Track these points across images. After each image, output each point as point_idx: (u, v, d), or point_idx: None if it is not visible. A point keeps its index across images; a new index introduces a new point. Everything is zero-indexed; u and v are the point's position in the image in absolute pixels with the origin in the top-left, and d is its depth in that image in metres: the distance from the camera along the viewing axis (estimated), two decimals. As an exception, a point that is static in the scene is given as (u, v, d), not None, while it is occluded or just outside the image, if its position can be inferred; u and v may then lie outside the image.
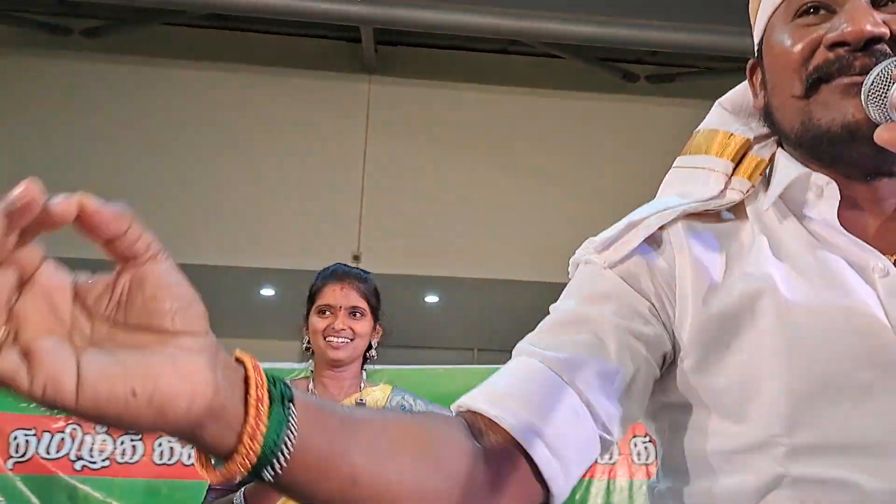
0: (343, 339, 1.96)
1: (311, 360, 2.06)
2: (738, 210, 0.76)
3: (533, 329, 0.75)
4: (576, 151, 6.01)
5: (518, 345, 0.72)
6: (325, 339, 1.96)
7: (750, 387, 0.65)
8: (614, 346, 0.67)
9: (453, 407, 0.69)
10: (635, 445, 3.26)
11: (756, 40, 0.78)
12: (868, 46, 0.65)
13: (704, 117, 0.85)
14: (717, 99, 0.84)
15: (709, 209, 0.74)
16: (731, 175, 0.76)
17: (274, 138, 5.88)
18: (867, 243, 0.67)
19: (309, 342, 2.02)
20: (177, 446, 2.76)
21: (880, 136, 0.56)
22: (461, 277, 5.90)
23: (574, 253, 0.79)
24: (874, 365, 0.61)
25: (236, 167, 5.78)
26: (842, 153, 0.67)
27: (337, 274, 2.02)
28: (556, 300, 0.78)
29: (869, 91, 0.60)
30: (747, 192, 0.74)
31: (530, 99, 6.15)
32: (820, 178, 0.69)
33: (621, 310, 0.69)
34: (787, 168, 0.72)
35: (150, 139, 5.70)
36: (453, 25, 5.15)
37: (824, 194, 0.69)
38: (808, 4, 0.70)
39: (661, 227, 0.73)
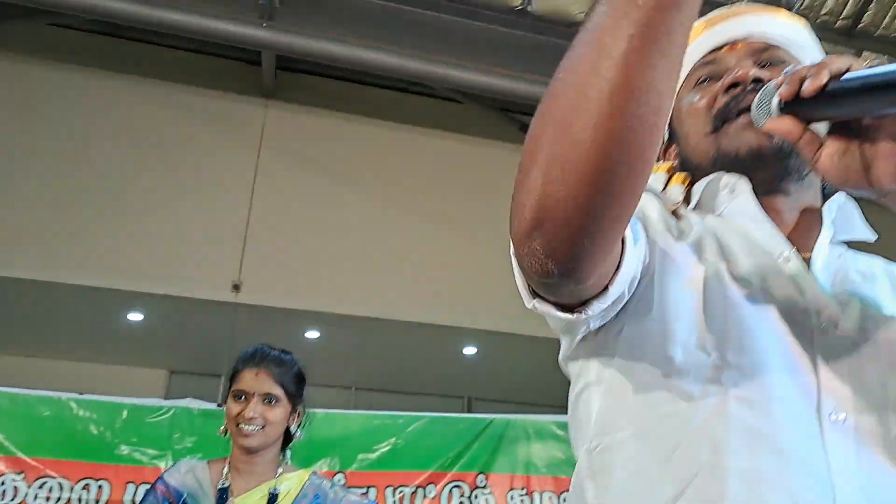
0: (254, 427, 1.90)
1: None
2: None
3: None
4: (469, 197, 6.03)
5: None
6: (237, 425, 1.91)
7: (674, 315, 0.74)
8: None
9: None
10: (511, 499, 3.21)
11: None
12: (755, 86, 0.81)
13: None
14: None
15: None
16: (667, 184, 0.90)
17: (160, 154, 5.61)
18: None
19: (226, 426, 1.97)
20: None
21: (768, 127, 0.70)
22: (344, 314, 5.76)
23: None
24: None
25: (116, 181, 5.46)
26: (747, 172, 0.83)
27: (255, 358, 1.98)
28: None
29: (756, 105, 0.73)
30: (684, 193, 0.88)
31: (428, 140, 6.15)
32: (731, 177, 0.84)
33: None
34: (703, 181, 0.87)
35: (22, 143, 5.31)
36: (357, 61, 5.08)
37: (737, 189, 0.83)
38: (704, 76, 0.90)
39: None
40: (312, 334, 6.39)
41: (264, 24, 4.84)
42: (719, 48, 0.90)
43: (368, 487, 3.13)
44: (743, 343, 0.70)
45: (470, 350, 6.38)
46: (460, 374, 6.69)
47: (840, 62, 0.67)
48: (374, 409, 4.98)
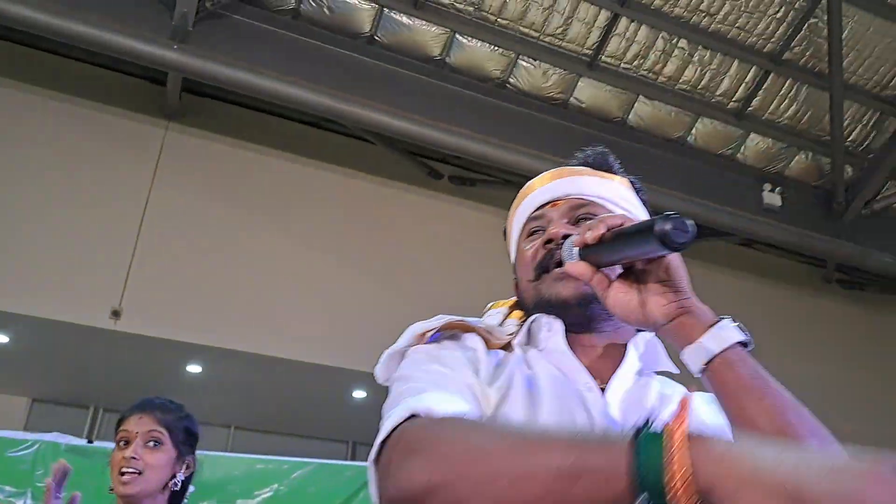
0: (131, 471, 1.78)
1: None
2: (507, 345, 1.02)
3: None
4: (371, 238, 5.98)
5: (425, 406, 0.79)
6: (118, 472, 1.79)
7: None
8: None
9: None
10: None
11: (512, 259, 1.13)
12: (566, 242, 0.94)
13: (499, 223, 1.14)
14: (509, 207, 1.16)
15: (492, 337, 1.01)
16: (507, 317, 1.07)
17: (50, 167, 5.29)
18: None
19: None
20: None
21: (566, 269, 0.87)
22: (228, 349, 5.54)
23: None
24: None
25: (-6, 192, 5.10)
26: (560, 314, 0.98)
27: (141, 404, 1.91)
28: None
29: (564, 252, 0.91)
30: (517, 328, 1.03)
31: (333, 177, 6.08)
32: (548, 318, 0.99)
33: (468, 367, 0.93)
34: (529, 320, 1.02)
35: None
36: (268, 92, 5.00)
37: (552, 328, 0.98)
38: (534, 228, 1.07)
39: (467, 329, 1.00)
40: (194, 368, 6.11)
41: (175, 46, 4.70)
42: (546, 204, 1.06)
43: (243, 535, 2.98)
44: None
45: (359, 394, 6.26)
46: (346, 418, 6.53)
47: (614, 219, 0.81)
48: (253, 449, 4.78)
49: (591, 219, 0.96)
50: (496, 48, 5.60)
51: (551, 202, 1.05)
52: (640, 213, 1.08)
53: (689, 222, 0.76)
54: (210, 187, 5.73)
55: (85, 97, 5.58)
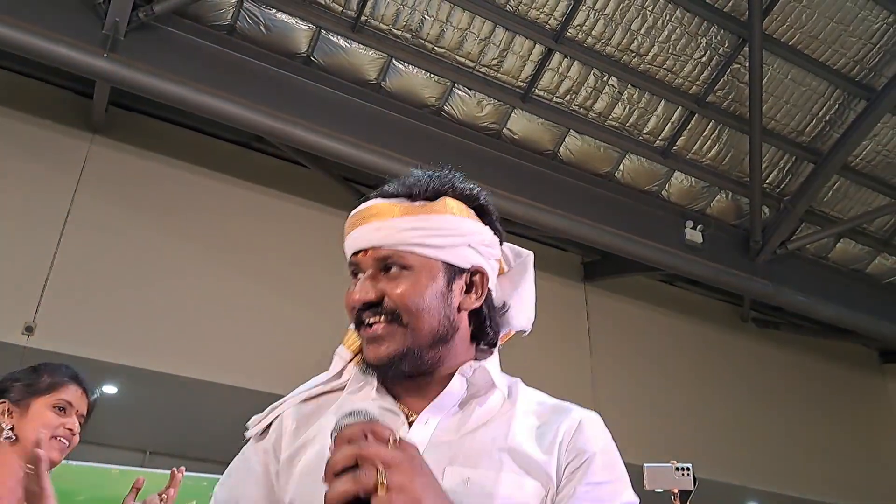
0: (67, 442, 1.84)
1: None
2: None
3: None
4: (296, 262, 5.91)
5: None
6: (54, 436, 1.81)
7: None
8: None
9: None
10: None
11: None
12: (365, 308, 0.96)
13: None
14: None
15: (328, 390, 1.05)
16: (350, 361, 1.06)
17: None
18: (399, 405, 0.98)
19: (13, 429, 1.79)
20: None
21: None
22: (146, 369, 5.37)
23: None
24: None
25: None
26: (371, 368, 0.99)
27: (78, 378, 1.94)
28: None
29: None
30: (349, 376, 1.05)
31: (261, 199, 6.00)
32: (364, 375, 1.02)
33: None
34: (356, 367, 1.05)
35: None
36: (197, 105, 4.92)
37: (369, 381, 1.01)
38: (352, 270, 1.02)
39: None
40: (109, 389, 5.89)
41: (105, 55, 4.59)
42: (357, 252, 1.01)
43: (162, 555, 2.85)
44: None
45: (280, 419, 6.12)
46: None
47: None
48: (168, 475, 4.61)
49: (400, 268, 0.96)
50: (432, 76, 5.66)
51: (361, 251, 1.00)
52: (469, 238, 1.00)
53: None
54: (133, 203, 5.58)
55: (7, 106, 5.39)
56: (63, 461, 2.30)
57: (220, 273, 5.64)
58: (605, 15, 5.70)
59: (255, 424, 1.05)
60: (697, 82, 6.23)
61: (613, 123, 6.30)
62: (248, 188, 5.97)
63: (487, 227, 1.05)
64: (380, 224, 0.98)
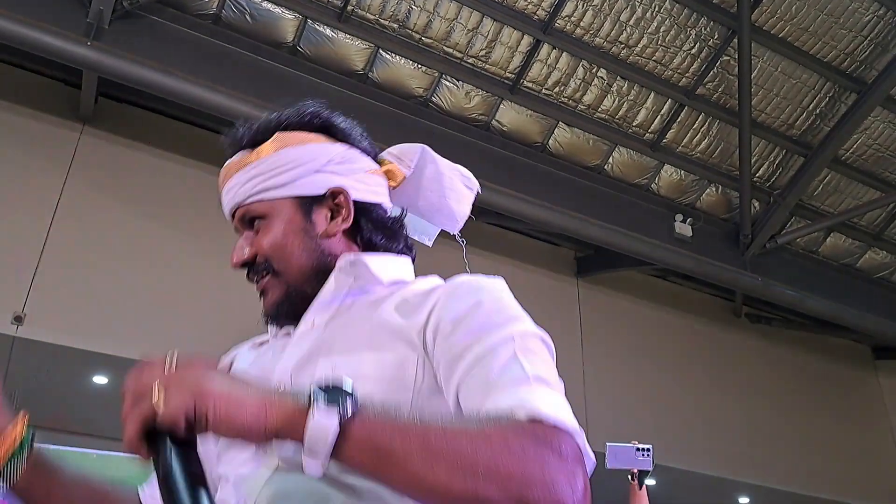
0: None
1: None
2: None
3: None
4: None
5: None
6: None
7: None
8: None
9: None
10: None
11: None
12: (247, 267, 1.00)
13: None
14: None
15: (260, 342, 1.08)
16: None
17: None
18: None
19: None
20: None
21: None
22: (136, 360, 5.34)
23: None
24: None
25: None
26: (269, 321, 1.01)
27: None
28: None
29: None
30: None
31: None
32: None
33: None
34: None
35: None
36: (183, 95, 4.93)
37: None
38: (235, 225, 1.04)
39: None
40: (101, 379, 5.90)
41: (89, 43, 4.60)
42: (232, 213, 1.03)
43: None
44: None
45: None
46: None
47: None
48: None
49: (257, 221, 0.98)
50: (420, 66, 5.67)
51: (231, 217, 1.03)
52: (314, 163, 0.98)
53: None
54: (122, 194, 5.59)
55: (-6, 95, 5.41)
56: (67, 448, 2.29)
57: (211, 263, 5.64)
58: (593, 6, 5.70)
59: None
60: (687, 74, 6.22)
61: (602, 116, 6.30)
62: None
63: (340, 143, 1.02)
64: (228, 186, 1.00)
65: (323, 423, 0.67)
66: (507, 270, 7.50)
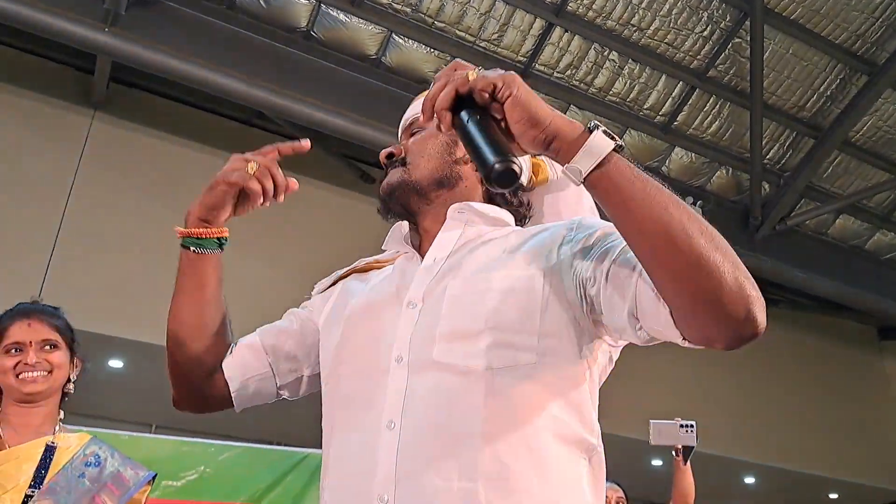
0: (39, 373, 1.79)
1: None
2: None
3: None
4: (299, 239, 5.93)
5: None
6: (17, 376, 1.78)
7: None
8: (289, 323, 1.17)
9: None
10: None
11: None
12: (387, 158, 1.12)
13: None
14: None
15: (379, 262, 1.17)
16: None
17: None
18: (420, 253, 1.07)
19: None
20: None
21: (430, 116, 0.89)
22: (152, 344, 5.41)
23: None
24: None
25: None
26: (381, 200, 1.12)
27: (23, 311, 1.90)
28: None
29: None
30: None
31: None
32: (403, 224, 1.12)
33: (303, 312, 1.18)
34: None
35: None
36: (198, 80, 4.93)
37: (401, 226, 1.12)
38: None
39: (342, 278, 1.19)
40: (116, 363, 5.95)
41: (106, 29, 4.60)
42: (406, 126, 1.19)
43: (170, 516, 2.92)
44: (357, 335, 1.00)
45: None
46: (272, 417, 6.44)
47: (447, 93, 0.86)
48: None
49: (419, 132, 1.13)
50: (432, 50, 5.67)
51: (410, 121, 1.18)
52: None
53: (517, 181, 0.81)
54: (135, 179, 5.61)
55: (8, 82, 5.41)
56: (79, 427, 2.34)
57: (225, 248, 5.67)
58: (605, -11, 5.70)
59: (319, 287, 1.21)
60: (698, 57, 6.22)
61: (614, 99, 6.31)
62: (248, 164, 5.98)
63: None
64: (417, 103, 1.16)
65: (603, 138, 0.80)
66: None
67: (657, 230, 0.77)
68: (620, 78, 6.21)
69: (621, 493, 3.03)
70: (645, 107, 6.43)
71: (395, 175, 1.08)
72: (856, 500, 10.13)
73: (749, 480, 9.34)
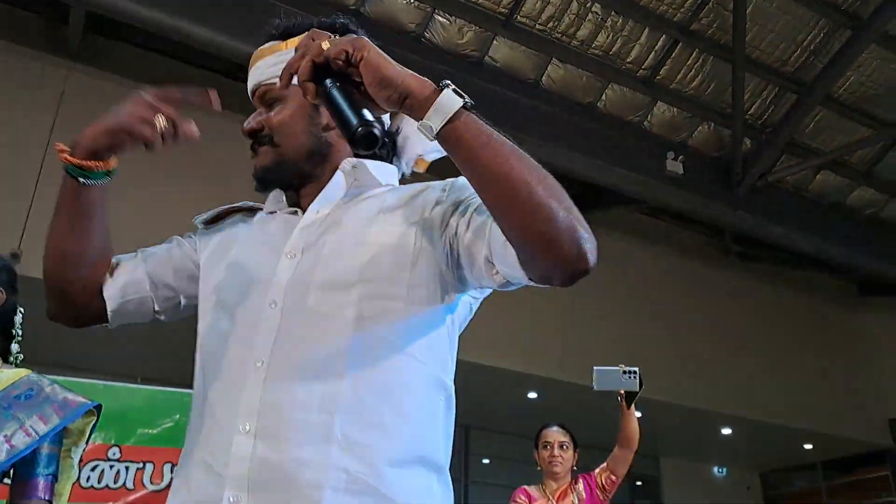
0: None
1: None
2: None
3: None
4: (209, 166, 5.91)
5: None
6: None
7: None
8: (170, 251, 1.21)
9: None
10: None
11: None
12: (251, 137, 1.11)
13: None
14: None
15: (253, 208, 1.20)
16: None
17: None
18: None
19: None
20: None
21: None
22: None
23: None
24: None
25: None
26: (256, 182, 1.13)
27: None
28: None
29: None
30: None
31: (236, 127, 5.97)
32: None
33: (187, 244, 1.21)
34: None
35: None
36: (172, 29, 4.87)
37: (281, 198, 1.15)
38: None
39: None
40: (96, 315, 5.97)
41: (78, -24, 4.53)
42: (254, 91, 1.15)
43: (145, 462, 2.96)
44: (236, 278, 1.04)
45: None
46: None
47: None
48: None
49: (273, 101, 1.10)
50: (412, 1, 5.61)
51: (253, 91, 1.14)
52: None
53: (378, 143, 0.85)
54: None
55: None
56: (56, 377, 2.36)
57: (201, 200, 5.64)
58: (588, -61, 5.63)
59: (201, 219, 1.23)
60: (682, 9, 6.17)
61: (596, 52, 6.27)
62: (228, 117, 5.94)
63: None
64: (256, 66, 1.13)
65: (453, 97, 0.85)
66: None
67: (500, 181, 0.84)
68: (603, 30, 6.17)
69: (563, 437, 3.09)
70: (627, 60, 6.39)
71: (266, 156, 1.08)
72: (830, 450, 10.37)
73: (726, 431, 9.52)
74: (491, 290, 1.01)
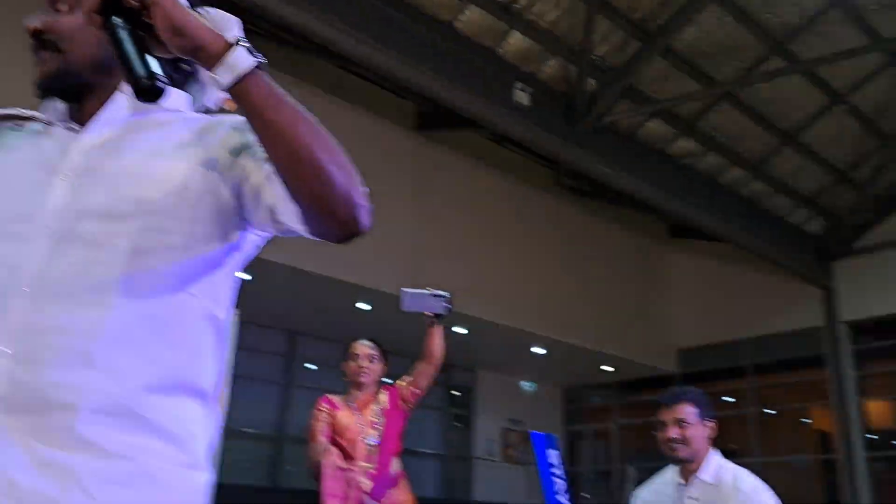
0: None
1: None
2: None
3: None
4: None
5: None
6: None
7: None
8: None
9: None
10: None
11: None
12: (37, 38, 1.01)
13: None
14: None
15: (27, 116, 1.08)
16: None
17: None
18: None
19: None
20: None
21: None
22: None
23: None
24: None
25: None
26: (38, 89, 1.03)
27: None
28: None
29: None
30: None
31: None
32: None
33: None
34: None
35: None
36: None
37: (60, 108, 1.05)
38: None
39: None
40: None
41: None
42: None
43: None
44: (3, 198, 0.97)
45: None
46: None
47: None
48: None
49: (63, 4, 1.03)
50: None
51: None
52: None
53: (161, 97, 0.85)
54: None
55: None
56: None
57: None
58: None
59: None
60: (546, -57, 6.23)
61: (460, -29, 6.23)
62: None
63: None
64: None
65: (245, 56, 0.87)
66: (347, 115, 7.47)
67: (285, 143, 0.88)
68: (469, -49, 6.12)
69: (372, 350, 3.18)
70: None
71: (51, 63, 1.01)
72: (626, 373, 11.41)
73: (538, 350, 10.19)
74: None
